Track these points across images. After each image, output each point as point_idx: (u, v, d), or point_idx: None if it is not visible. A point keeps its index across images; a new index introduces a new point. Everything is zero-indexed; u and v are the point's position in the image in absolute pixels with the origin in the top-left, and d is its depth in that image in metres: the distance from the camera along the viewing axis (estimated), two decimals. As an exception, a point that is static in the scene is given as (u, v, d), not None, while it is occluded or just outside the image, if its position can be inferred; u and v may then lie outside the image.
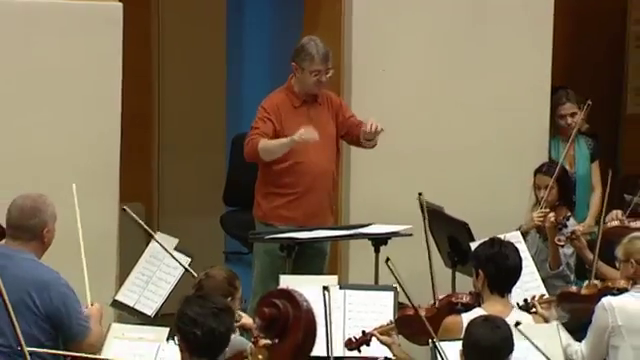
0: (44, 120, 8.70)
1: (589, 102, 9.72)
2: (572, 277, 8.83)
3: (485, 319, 6.35)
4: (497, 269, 7.33)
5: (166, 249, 8.03)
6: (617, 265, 7.99)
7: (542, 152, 9.50)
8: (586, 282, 8.20)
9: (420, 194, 7.94)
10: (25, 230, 7.32)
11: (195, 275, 7.55)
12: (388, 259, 6.92)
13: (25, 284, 7.10)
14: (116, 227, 8.99)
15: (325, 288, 6.55)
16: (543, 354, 6.51)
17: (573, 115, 9.90)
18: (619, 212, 9.03)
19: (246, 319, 6.66)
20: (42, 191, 7.63)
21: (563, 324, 7.58)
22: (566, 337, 7.43)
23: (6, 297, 6.47)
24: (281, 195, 9.08)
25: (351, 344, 7.24)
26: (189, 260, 8.03)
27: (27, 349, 6.49)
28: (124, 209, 8.24)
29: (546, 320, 7.34)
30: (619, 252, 7.87)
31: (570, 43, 10.18)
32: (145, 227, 8.12)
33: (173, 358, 6.40)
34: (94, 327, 7.17)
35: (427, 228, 8.19)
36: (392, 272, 6.69)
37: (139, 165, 9.74)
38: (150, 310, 7.89)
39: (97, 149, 8.90)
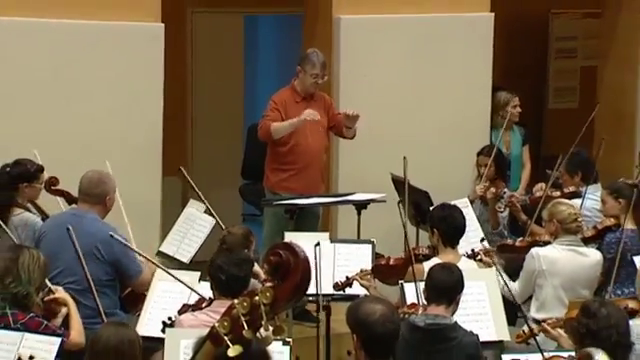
0: (108, 113, 8.70)
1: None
2: (507, 234, 8.83)
3: (442, 266, 6.37)
4: (447, 227, 7.35)
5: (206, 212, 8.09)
6: (543, 224, 8.02)
7: (484, 138, 9.48)
8: (520, 238, 8.23)
9: (405, 157, 7.88)
10: (92, 196, 7.44)
11: (223, 227, 7.70)
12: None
13: (93, 239, 7.19)
14: (159, 194, 8.99)
15: (317, 244, 6.54)
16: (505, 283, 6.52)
17: (515, 107, 9.92)
18: (543, 184, 9.03)
19: (256, 267, 6.64)
20: (104, 165, 7.76)
21: (502, 267, 7.61)
22: (504, 279, 7.45)
23: (79, 248, 6.74)
24: (285, 170, 9.06)
25: (337, 286, 7.26)
26: (213, 221, 8.04)
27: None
28: (180, 169, 8.28)
29: (488, 266, 7.33)
30: (545, 214, 7.91)
31: (506, 54, 10.14)
32: (193, 185, 8.19)
33: (204, 295, 6.49)
34: (145, 271, 7.30)
35: (407, 186, 8.12)
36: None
37: (177, 148, 9.71)
38: (186, 258, 7.90)
39: (145, 135, 8.90)
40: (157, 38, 8.90)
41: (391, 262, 7.41)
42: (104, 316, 6.70)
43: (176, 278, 6.77)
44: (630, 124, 10.41)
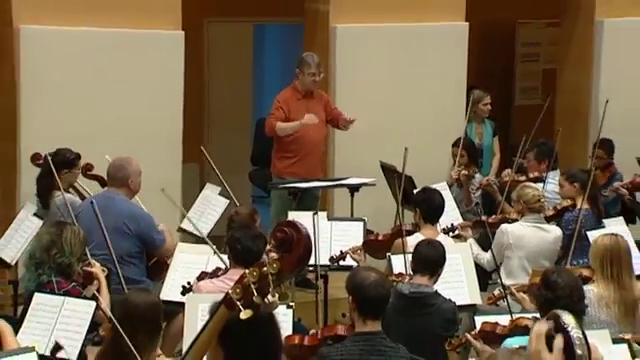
0: (137, 109, 8.70)
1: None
2: (480, 212, 8.83)
3: (428, 242, 6.43)
4: (428, 207, 7.39)
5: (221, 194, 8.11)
6: (512, 204, 8.06)
7: (460, 131, 9.46)
8: (493, 216, 8.25)
9: (406, 149, 7.84)
10: (116, 180, 7.57)
11: (237, 204, 7.86)
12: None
13: (122, 216, 7.26)
14: (180, 178, 8.96)
15: (315, 213, 6.57)
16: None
17: (486, 105, 9.93)
18: (509, 170, 9.05)
19: None
20: (133, 153, 7.77)
21: (476, 240, 7.64)
22: (477, 249, 7.49)
23: (102, 221, 6.77)
24: (289, 158, 9.06)
25: (332, 260, 7.28)
26: (227, 201, 8.07)
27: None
28: (201, 149, 8.36)
29: (464, 239, 7.35)
30: (513, 195, 7.99)
31: (479, 58, 10.15)
32: (212, 163, 8.22)
33: (219, 265, 6.53)
34: (168, 240, 7.44)
35: (404, 172, 8.08)
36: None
37: (195, 139, 9.68)
38: (204, 231, 7.90)
39: (168, 128, 8.89)
40: (178, 44, 8.89)
41: (380, 237, 7.45)
42: (133, 283, 6.74)
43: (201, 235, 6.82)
44: (584, 119, 10.42)
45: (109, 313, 6.00)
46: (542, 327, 3.03)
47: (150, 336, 5.01)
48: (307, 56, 9.06)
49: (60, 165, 7.83)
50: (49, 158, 7.83)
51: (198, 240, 7.69)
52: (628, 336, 5.55)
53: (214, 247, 6.80)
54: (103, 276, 6.50)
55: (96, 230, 7.00)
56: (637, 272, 6.64)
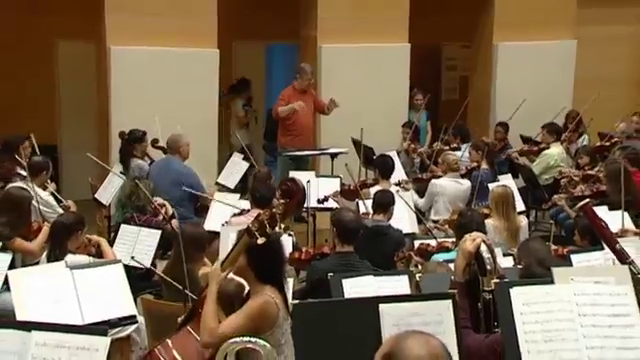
0: (187, 109, 8.53)
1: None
2: (418, 172, 8.86)
3: (383, 191, 6.45)
4: (384, 167, 7.39)
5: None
6: (438, 166, 8.11)
7: (405, 117, 9.48)
8: (426, 174, 8.28)
9: (362, 129, 7.88)
10: (171, 148, 7.72)
11: (259, 169, 7.80)
12: (346, 164, 6.94)
13: (177, 174, 7.30)
14: (216, 151, 8.92)
15: (308, 181, 6.56)
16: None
17: (418, 99, 9.91)
18: (438, 143, 9.07)
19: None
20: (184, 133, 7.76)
21: (415, 190, 7.64)
22: (416, 197, 7.50)
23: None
24: (289, 134, 9.01)
25: (319, 201, 7.27)
26: (247, 164, 8.07)
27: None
28: (235, 133, 8.30)
29: (408, 190, 7.36)
30: (440, 160, 8.00)
31: (417, 68, 10.04)
32: (242, 142, 8.16)
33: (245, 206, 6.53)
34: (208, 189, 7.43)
35: (362, 144, 8.07)
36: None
37: (225, 122, 9.68)
38: (232, 186, 7.88)
39: (207, 117, 8.79)
40: (214, 60, 8.79)
41: (351, 188, 7.44)
42: (185, 219, 6.74)
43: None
44: (487, 111, 10.36)
45: (176, 228, 6.03)
46: (467, 244, 3.05)
47: (198, 251, 5.03)
48: (305, 66, 9.04)
49: (133, 140, 7.86)
50: (125, 136, 7.90)
51: (228, 190, 7.72)
52: (513, 251, 5.62)
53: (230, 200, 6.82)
54: (168, 206, 6.51)
55: (160, 183, 7.03)
56: (519, 209, 6.72)
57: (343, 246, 5.04)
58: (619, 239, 3.94)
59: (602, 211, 5.75)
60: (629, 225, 6.13)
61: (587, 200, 3.89)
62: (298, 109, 8.79)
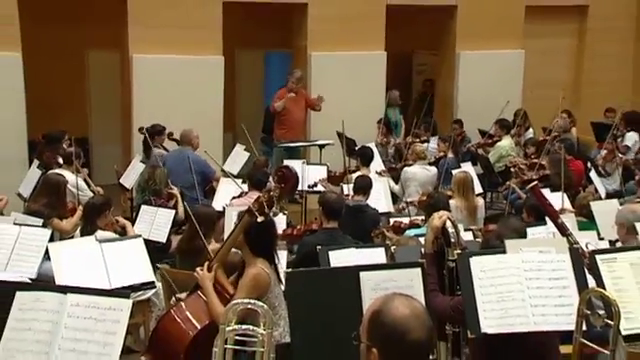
0: (197, 108, 8.46)
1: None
2: (393, 161, 8.84)
3: (362, 176, 6.44)
4: (364, 156, 7.38)
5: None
6: (408, 155, 8.07)
7: (381, 113, 9.45)
8: (400, 163, 8.28)
9: (343, 121, 7.76)
10: (185, 141, 7.54)
11: (257, 158, 7.67)
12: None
13: (190, 162, 7.14)
14: (222, 142, 8.85)
15: (303, 162, 6.57)
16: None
17: (395, 97, 9.89)
18: (410, 137, 9.07)
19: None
20: (195, 128, 7.65)
21: (391, 177, 7.64)
22: (391, 182, 7.50)
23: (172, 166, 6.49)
24: (283, 128, 8.97)
25: (309, 187, 7.25)
26: (248, 154, 8.01)
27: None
28: (242, 126, 8.18)
29: (384, 176, 7.37)
30: (411, 150, 7.98)
31: (392, 72, 10.03)
32: (247, 134, 7.92)
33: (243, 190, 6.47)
34: (217, 172, 7.38)
35: (344, 136, 8.05)
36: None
37: (230, 118, 9.63)
38: (235, 172, 7.76)
39: (213, 115, 8.72)
40: (219, 66, 8.73)
41: (337, 174, 7.43)
42: (195, 201, 6.72)
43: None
44: (450, 108, 10.31)
45: (182, 215, 6.01)
46: (435, 221, 3.07)
47: (208, 228, 5.02)
48: (296, 71, 9.00)
49: (153, 133, 7.81)
50: (145, 129, 7.84)
51: (233, 176, 7.69)
52: (473, 227, 5.64)
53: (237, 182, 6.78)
54: (178, 195, 6.48)
55: (174, 170, 6.99)
56: (477, 192, 6.73)
57: (329, 223, 5.03)
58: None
59: (545, 192, 5.79)
60: (567, 204, 6.17)
61: (535, 182, 3.90)
62: (289, 98, 8.75)
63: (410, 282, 2.93)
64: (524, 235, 3.25)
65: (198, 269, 3.61)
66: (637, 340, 2.96)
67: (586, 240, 4.05)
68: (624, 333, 2.82)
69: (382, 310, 1.80)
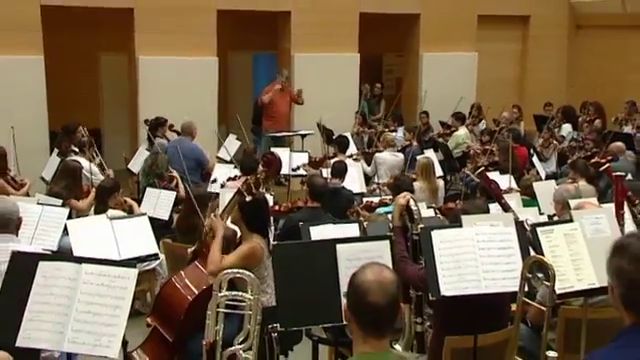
0: (195, 104, 8.39)
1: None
2: (367, 148, 8.80)
3: (339, 161, 6.43)
4: (341, 144, 7.36)
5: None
6: (380, 144, 8.05)
7: (355, 107, 9.45)
8: (372, 149, 8.23)
9: (321, 114, 7.81)
10: (184, 131, 7.44)
11: (247, 146, 7.62)
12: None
13: (188, 150, 7.05)
14: (216, 131, 8.68)
15: (291, 150, 6.50)
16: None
17: (368, 93, 9.86)
18: (381, 126, 9.04)
19: None
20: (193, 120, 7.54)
21: (364, 160, 7.62)
22: (365, 166, 7.48)
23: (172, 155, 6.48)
24: (271, 119, 8.89)
25: (293, 170, 7.16)
26: (240, 143, 7.92)
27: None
28: (236, 116, 7.96)
29: (359, 161, 7.34)
30: (381, 138, 8.01)
31: (365, 72, 9.99)
32: (241, 124, 7.65)
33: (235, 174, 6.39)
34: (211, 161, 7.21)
35: (322, 126, 8.02)
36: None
37: (223, 115, 9.53)
38: (228, 158, 7.66)
39: (208, 109, 8.67)
40: (214, 66, 8.65)
41: (317, 160, 7.40)
42: (194, 183, 6.64)
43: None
44: (415, 104, 10.26)
45: (183, 194, 5.96)
46: (400, 200, 3.10)
47: (204, 206, 4.97)
48: (281, 69, 8.93)
49: (156, 125, 7.72)
50: (149, 122, 7.75)
51: (226, 162, 7.63)
52: (434, 205, 5.66)
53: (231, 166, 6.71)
54: (178, 178, 6.42)
55: (174, 157, 6.91)
56: (438, 175, 6.74)
57: (313, 202, 5.03)
58: (505, 195, 4.02)
59: (495, 175, 5.84)
60: (513, 185, 6.23)
61: (482, 168, 3.95)
62: (277, 89, 8.66)
63: (380, 253, 2.97)
64: (487, 212, 3.29)
65: (212, 215, 3.63)
66: (569, 297, 3.00)
67: (529, 215, 4.11)
68: (558, 292, 2.85)
69: (356, 274, 1.84)
